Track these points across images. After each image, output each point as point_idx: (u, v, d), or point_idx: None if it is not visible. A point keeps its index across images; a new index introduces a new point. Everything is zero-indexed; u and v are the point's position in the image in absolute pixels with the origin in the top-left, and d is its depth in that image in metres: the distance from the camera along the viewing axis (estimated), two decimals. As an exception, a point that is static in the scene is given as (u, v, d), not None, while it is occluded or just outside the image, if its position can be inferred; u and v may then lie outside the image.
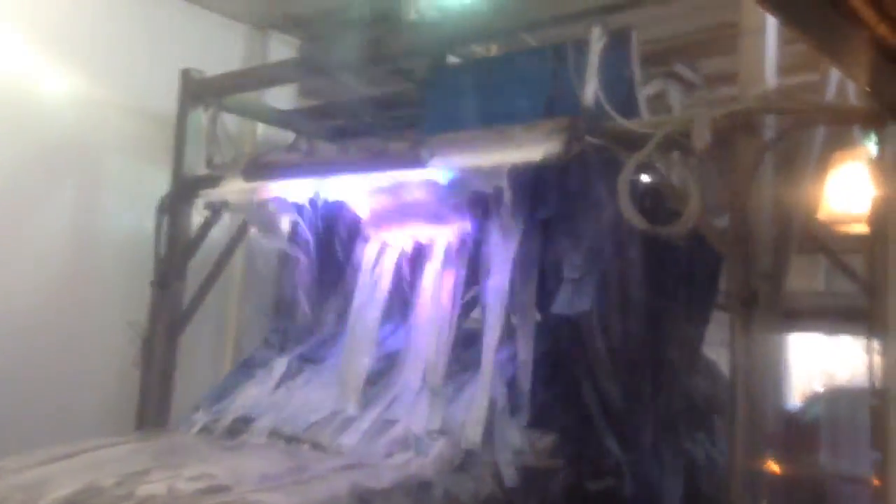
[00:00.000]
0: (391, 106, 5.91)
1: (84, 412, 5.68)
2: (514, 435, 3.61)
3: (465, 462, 3.56)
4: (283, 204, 4.79)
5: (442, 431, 3.71)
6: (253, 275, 6.54)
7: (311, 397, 4.25)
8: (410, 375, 4.08)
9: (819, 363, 9.86)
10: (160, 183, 5.97)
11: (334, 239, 4.92)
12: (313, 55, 5.13)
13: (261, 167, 4.84)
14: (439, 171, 4.05)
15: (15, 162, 5.60)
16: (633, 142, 3.79)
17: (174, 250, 5.71)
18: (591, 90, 3.86)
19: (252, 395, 4.40)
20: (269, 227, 4.96)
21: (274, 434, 3.97)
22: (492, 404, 3.75)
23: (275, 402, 4.27)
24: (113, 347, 5.85)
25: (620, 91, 4.09)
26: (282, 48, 6.99)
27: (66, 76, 5.87)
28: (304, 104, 6.87)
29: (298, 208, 4.89)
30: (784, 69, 3.87)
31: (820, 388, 9.20)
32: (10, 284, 5.47)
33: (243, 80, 5.84)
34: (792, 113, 3.66)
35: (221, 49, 6.72)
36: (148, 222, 5.86)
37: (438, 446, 3.58)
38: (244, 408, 4.32)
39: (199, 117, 5.90)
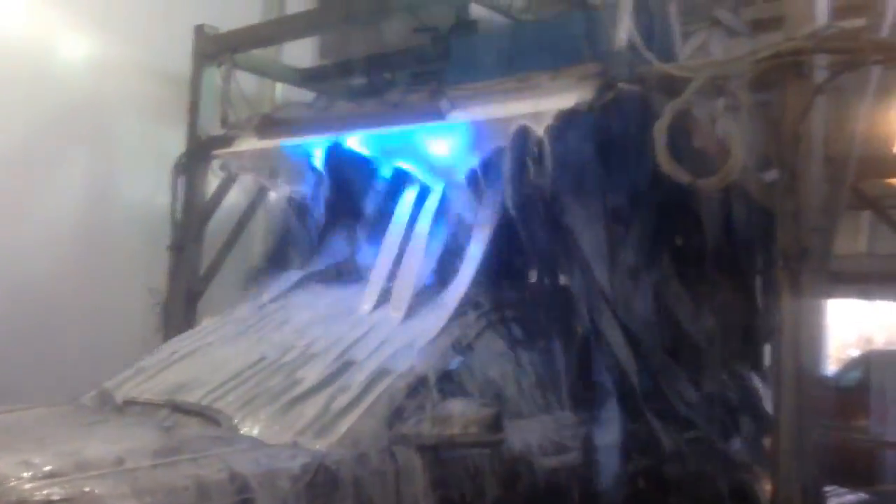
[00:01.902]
0: (413, 63, 5.66)
1: (106, 380, 5.58)
2: (446, 407, 3.07)
3: (378, 436, 2.99)
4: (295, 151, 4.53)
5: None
6: (275, 235, 6.38)
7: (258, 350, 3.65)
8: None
9: (851, 327, 9.58)
10: (177, 144, 5.80)
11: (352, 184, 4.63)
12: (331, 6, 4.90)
13: (274, 124, 4.63)
14: (459, 123, 3.80)
15: (29, 125, 5.51)
16: (671, 88, 3.51)
17: (190, 213, 5.55)
18: (623, 31, 3.56)
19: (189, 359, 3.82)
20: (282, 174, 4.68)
21: (170, 404, 3.33)
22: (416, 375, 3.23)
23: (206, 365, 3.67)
24: (133, 314, 5.72)
25: (658, 33, 3.80)
26: (299, 5, 6.76)
27: (80, 37, 5.76)
28: (323, 63, 6.65)
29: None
30: (831, 14, 3.56)
31: (855, 353, 8.95)
32: (26, 250, 5.38)
33: (258, 34, 5.62)
34: (845, 52, 3.34)
35: (238, 5, 6.52)
36: (164, 185, 5.70)
37: (351, 422, 3.00)
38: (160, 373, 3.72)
39: (214, 75, 5.70)
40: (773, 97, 3.55)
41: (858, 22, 3.82)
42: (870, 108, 3.67)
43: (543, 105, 3.68)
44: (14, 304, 5.27)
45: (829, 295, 3.63)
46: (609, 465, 3.61)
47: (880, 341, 9.79)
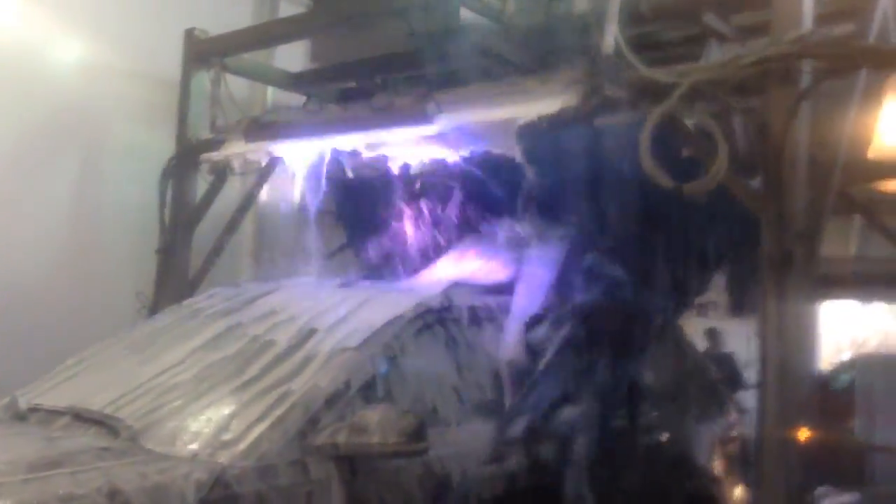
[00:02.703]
0: (404, 67, 5.65)
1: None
2: (364, 415, 2.78)
3: (288, 447, 2.76)
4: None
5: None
6: (265, 240, 6.38)
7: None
8: None
9: (844, 330, 9.62)
10: (166, 148, 5.80)
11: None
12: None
13: (262, 127, 4.63)
14: (446, 127, 3.80)
15: (18, 129, 5.51)
16: (657, 93, 3.52)
17: (179, 216, 5.53)
18: (609, 35, 3.57)
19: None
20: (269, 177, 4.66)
21: (71, 412, 3.09)
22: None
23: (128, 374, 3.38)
24: (121, 317, 5.68)
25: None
26: (292, 9, 6.76)
27: (69, 41, 5.75)
28: (315, 67, 6.63)
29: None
30: (819, 20, 3.57)
31: (847, 356, 8.99)
32: (15, 253, 5.38)
33: (247, 38, 5.61)
34: (831, 57, 3.35)
35: (230, 11, 6.54)
36: (153, 188, 5.68)
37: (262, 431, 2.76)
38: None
39: (205, 80, 5.69)
40: (758, 102, 3.55)
41: (845, 27, 3.84)
42: (856, 113, 3.66)
43: (530, 109, 3.69)
44: (2, 305, 5.25)
45: (818, 299, 3.64)
46: (554, 472, 3.48)
47: (873, 344, 9.83)
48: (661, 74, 3.53)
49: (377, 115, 4.03)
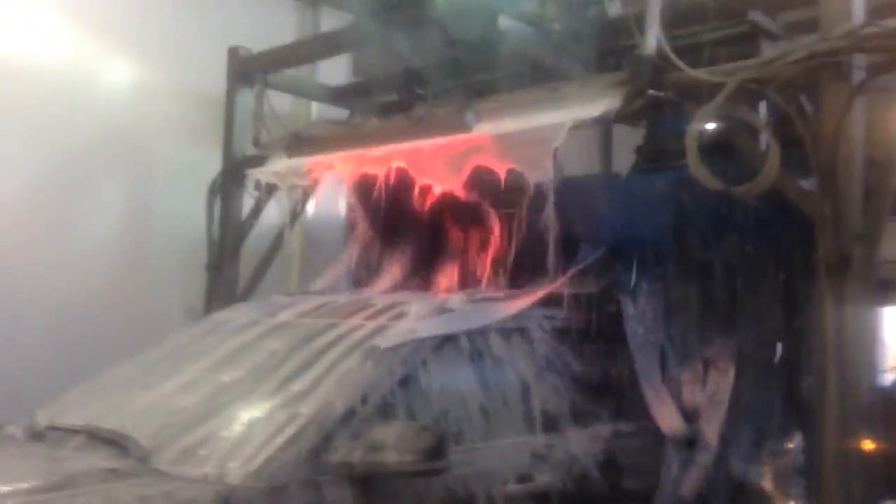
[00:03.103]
0: (446, 76, 5.63)
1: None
2: (380, 432, 2.67)
3: (301, 467, 2.64)
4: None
5: None
6: (312, 254, 6.40)
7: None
8: None
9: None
10: (212, 165, 5.89)
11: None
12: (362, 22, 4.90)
13: (303, 142, 4.65)
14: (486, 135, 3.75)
15: (69, 149, 5.62)
16: (702, 94, 3.41)
17: (226, 232, 5.59)
18: (652, 36, 3.48)
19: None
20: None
21: (87, 430, 3.03)
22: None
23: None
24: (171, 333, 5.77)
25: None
26: (334, 23, 6.81)
27: (117, 63, 5.87)
28: (357, 80, 6.66)
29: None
30: (871, 13, 3.42)
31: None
32: (67, 270, 5.48)
33: (290, 54, 5.66)
34: (885, 50, 3.20)
35: (273, 27, 6.60)
36: (201, 204, 5.77)
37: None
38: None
39: (249, 96, 5.75)
40: (809, 100, 3.43)
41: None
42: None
43: (572, 114, 3.63)
44: (56, 322, 5.36)
45: (877, 304, 3.48)
46: (589, 490, 3.37)
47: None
48: (706, 74, 3.43)
49: (415, 126, 4.00)
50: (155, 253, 5.91)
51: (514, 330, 3.52)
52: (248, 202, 5.69)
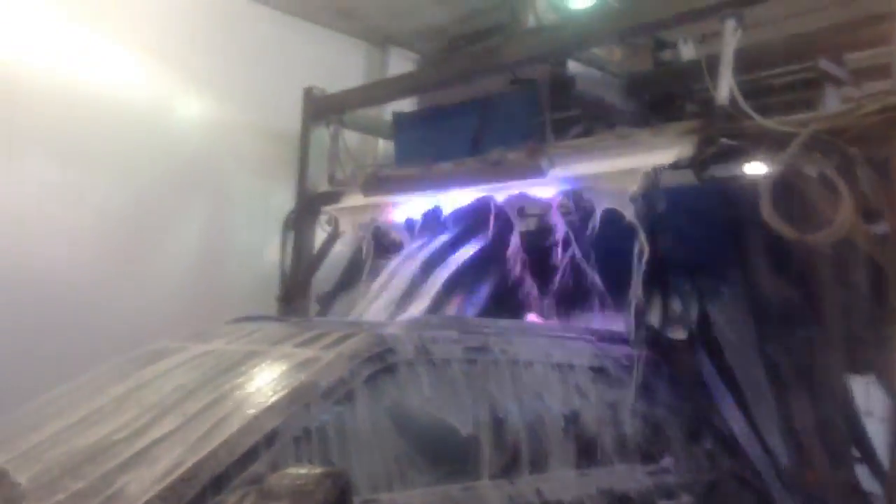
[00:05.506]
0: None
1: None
2: (277, 477, 2.23)
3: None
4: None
5: None
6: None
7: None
8: None
9: None
10: (285, 199, 6.13)
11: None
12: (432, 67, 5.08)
13: (380, 181, 4.82)
14: (560, 180, 3.87)
15: (150, 182, 5.86)
16: (772, 143, 3.49)
17: (298, 266, 5.78)
18: (725, 85, 3.57)
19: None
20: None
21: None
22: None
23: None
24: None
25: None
26: (402, 63, 7.04)
27: (195, 100, 6.11)
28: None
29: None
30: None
31: None
32: (145, 298, 5.69)
33: (363, 95, 5.87)
34: (960, 102, 3.25)
35: (343, 67, 6.86)
36: (273, 238, 5.99)
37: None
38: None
39: (322, 134, 5.99)
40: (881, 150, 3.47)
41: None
42: None
43: (645, 161, 3.73)
44: (136, 346, 5.56)
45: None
46: None
47: None
48: (779, 124, 3.50)
49: (490, 169, 4.14)
50: (229, 282, 6.12)
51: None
52: (319, 236, 5.90)
